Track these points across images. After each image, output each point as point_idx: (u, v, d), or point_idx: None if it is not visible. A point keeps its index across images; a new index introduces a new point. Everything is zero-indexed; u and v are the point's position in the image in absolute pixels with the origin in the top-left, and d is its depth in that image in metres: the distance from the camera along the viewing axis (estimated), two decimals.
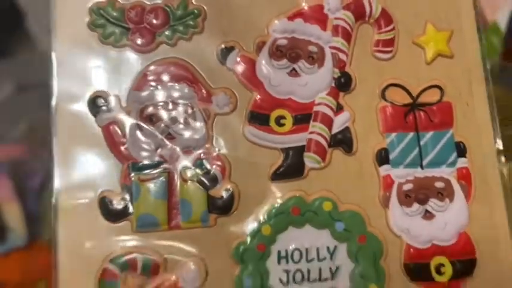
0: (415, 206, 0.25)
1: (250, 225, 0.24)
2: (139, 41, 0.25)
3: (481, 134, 0.26)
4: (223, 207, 0.24)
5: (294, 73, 0.26)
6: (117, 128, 0.25)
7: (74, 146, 0.24)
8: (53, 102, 0.25)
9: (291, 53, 0.26)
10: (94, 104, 0.25)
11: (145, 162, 0.25)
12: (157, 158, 0.25)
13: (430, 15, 0.27)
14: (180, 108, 0.25)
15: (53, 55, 0.25)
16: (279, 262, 0.24)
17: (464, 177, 0.26)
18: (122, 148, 0.25)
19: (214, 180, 0.25)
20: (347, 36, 0.26)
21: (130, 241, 0.24)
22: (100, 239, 0.24)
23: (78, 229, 0.24)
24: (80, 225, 0.24)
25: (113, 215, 0.24)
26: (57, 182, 0.24)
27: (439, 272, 0.25)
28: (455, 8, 0.27)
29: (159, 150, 0.25)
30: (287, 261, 0.24)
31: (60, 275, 0.23)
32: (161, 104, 0.25)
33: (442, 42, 0.27)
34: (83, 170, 0.25)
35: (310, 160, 0.25)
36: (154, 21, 0.25)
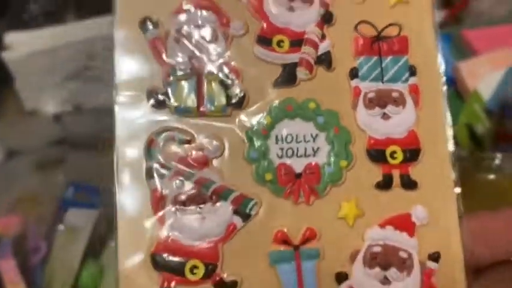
0: (376, 109, 0.35)
1: (257, 116, 0.34)
2: None
3: (428, 59, 0.36)
4: (237, 103, 0.34)
5: (290, 9, 0.35)
6: (160, 43, 0.34)
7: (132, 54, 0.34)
8: None
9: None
10: (143, 24, 0.34)
11: (181, 67, 0.34)
12: (189, 65, 0.34)
13: None
14: (207, 30, 0.35)
15: None
16: (276, 142, 0.34)
17: (414, 90, 0.36)
18: (164, 56, 0.34)
19: (232, 83, 0.34)
20: None
21: (170, 122, 0.34)
22: (149, 120, 0.33)
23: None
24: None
25: (158, 103, 0.33)
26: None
27: (392, 157, 0.35)
28: None
29: (191, 59, 0.34)
30: (282, 142, 0.34)
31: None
32: (193, 25, 0.34)
33: None
34: (135, 74, 0.34)
35: (301, 73, 0.35)
36: None
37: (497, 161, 0.54)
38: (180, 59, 0.34)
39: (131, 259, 0.32)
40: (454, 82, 0.61)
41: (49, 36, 0.55)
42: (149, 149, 0.32)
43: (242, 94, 0.34)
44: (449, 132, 0.35)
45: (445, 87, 0.36)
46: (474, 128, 0.57)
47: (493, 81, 0.58)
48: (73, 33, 0.54)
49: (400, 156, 0.34)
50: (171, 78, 0.34)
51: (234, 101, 0.34)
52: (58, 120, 0.55)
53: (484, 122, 0.57)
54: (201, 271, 0.32)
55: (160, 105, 0.33)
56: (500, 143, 0.53)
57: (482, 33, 0.64)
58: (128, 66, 0.34)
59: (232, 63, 0.34)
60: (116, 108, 0.33)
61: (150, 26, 0.34)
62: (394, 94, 0.35)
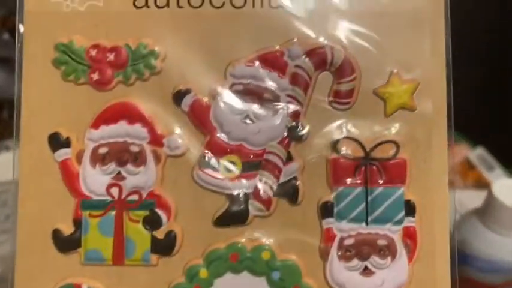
0: (355, 261, 0.28)
1: (190, 268, 0.27)
2: (98, 80, 0.28)
3: (435, 194, 0.28)
4: (165, 248, 0.28)
5: (247, 119, 0.28)
6: (73, 165, 0.28)
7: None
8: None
9: (247, 99, 0.28)
10: (53, 140, 0.28)
11: (96, 199, 0.28)
12: (106, 197, 0.28)
13: (396, 65, 0.28)
14: (132, 149, 0.28)
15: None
16: None
17: (411, 236, 0.28)
18: (76, 184, 0.28)
19: (158, 222, 0.28)
20: (304, 84, 0.28)
21: (78, 272, 0.28)
22: (51, 268, 0.27)
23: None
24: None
25: (64, 247, 0.27)
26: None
27: None
28: (423, 58, 0.28)
29: (109, 189, 0.28)
30: None
31: None
32: (114, 143, 0.28)
33: (406, 95, 0.28)
34: (39, 202, 0.28)
35: (254, 208, 0.28)
36: (114, 60, 0.28)
37: None
38: (95, 187, 0.27)
39: None
40: None
41: None
42: None
43: (172, 236, 0.27)
44: None
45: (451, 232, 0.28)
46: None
47: None
48: None
49: None
50: (83, 213, 0.27)
51: (160, 245, 0.27)
52: None
53: None
54: None
55: (66, 248, 0.27)
56: None
57: None
58: (34, 193, 0.28)
59: (163, 194, 0.27)
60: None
61: (62, 143, 0.28)
62: (381, 242, 0.27)
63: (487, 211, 0.46)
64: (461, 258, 0.46)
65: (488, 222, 0.45)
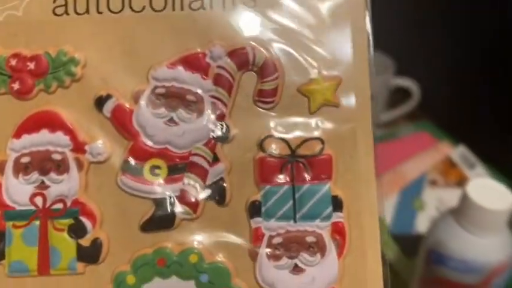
0: (284, 259, 0.28)
1: (117, 274, 0.27)
2: (19, 89, 0.28)
3: (362, 188, 0.29)
4: (91, 256, 0.28)
5: (171, 122, 0.28)
6: None
7: None
8: None
9: (170, 101, 0.28)
10: None
11: (19, 209, 0.28)
12: (30, 206, 0.28)
13: (318, 63, 0.29)
14: (55, 157, 0.28)
15: None
16: None
17: (339, 231, 0.29)
18: None
19: (83, 230, 0.28)
20: (228, 85, 0.29)
21: (3, 285, 0.28)
22: None
23: None
24: None
25: None
26: None
27: None
28: (345, 54, 0.29)
29: (33, 198, 0.28)
30: None
31: None
32: (36, 152, 0.28)
33: (328, 92, 0.29)
34: None
35: (181, 211, 0.28)
36: (34, 69, 0.28)
37: None
38: (18, 197, 0.27)
39: None
40: None
41: None
42: None
43: (98, 244, 0.27)
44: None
45: (383, 226, 0.28)
46: (384, 253, 0.55)
47: (390, 205, 0.63)
48: None
49: None
50: (6, 224, 0.27)
51: (86, 254, 0.27)
52: None
53: (392, 246, 0.59)
54: None
55: None
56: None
57: None
58: None
59: (87, 201, 0.27)
60: None
61: None
62: (309, 238, 0.28)
63: (462, 211, 0.47)
64: (437, 258, 0.47)
65: (463, 222, 0.46)
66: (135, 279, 0.28)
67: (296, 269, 0.29)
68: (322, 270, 0.29)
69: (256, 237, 0.29)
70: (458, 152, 0.72)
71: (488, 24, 0.71)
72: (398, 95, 0.78)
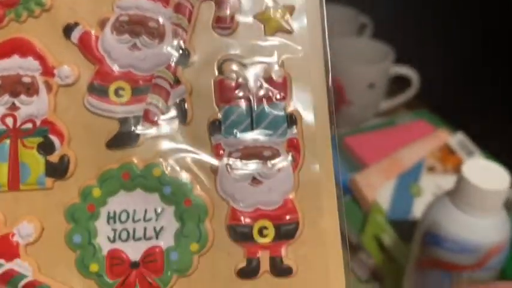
0: (242, 172, 0.30)
1: (84, 188, 0.29)
2: None
3: (315, 105, 0.31)
4: (59, 172, 0.30)
5: (134, 47, 0.30)
6: None
7: None
8: None
9: (133, 28, 0.30)
10: None
11: None
12: (1, 126, 0.30)
13: None
14: (25, 80, 0.30)
15: None
16: (108, 222, 0.30)
17: (294, 146, 0.31)
18: None
19: (52, 147, 0.30)
20: (189, 13, 0.31)
21: None
22: None
23: None
24: None
25: None
26: None
27: (261, 234, 0.30)
28: None
29: (3, 119, 0.30)
30: (114, 221, 0.29)
31: None
32: (7, 76, 0.30)
33: (281, 19, 0.31)
34: None
35: (145, 129, 0.30)
36: (5, 0, 0.30)
37: None
38: None
39: None
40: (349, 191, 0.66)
41: None
42: None
43: (66, 160, 0.29)
44: (338, 202, 0.30)
45: (333, 141, 0.30)
46: (381, 238, 0.61)
47: (388, 190, 0.65)
48: None
49: (271, 233, 0.29)
50: None
51: (54, 169, 0.29)
52: None
53: (389, 232, 0.60)
54: None
55: None
56: (424, 269, 0.52)
57: (362, 140, 0.75)
58: None
59: (56, 121, 0.29)
60: None
61: None
62: (266, 153, 0.30)
63: (458, 192, 0.47)
64: (433, 239, 0.49)
65: (459, 203, 0.47)
66: (101, 192, 0.30)
67: (254, 181, 0.31)
68: (279, 182, 0.31)
69: (217, 153, 0.31)
70: (457, 139, 0.72)
71: (488, 13, 0.72)
72: (397, 84, 0.80)
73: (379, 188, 0.65)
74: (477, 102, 0.75)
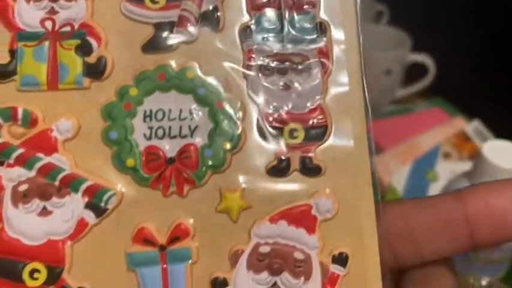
0: (275, 77, 0.31)
1: (121, 87, 0.31)
2: None
3: (343, 16, 0.32)
4: (96, 72, 0.31)
5: None
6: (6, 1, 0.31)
7: None
8: None
9: None
10: None
11: (30, 30, 0.31)
12: (41, 28, 0.31)
13: None
14: None
15: None
16: (144, 120, 0.31)
17: (324, 54, 0.32)
18: (11, 17, 0.31)
19: (90, 49, 0.31)
20: None
21: (15, 99, 0.31)
22: None
23: None
24: None
25: (0, 74, 0.31)
26: None
27: (292, 136, 0.31)
28: None
29: (43, 22, 0.31)
30: (151, 120, 0.31)
31: None
32: None
33: None
34: None
35: (179, 34, 0.32)
36: None
37: (483, 283, 0.53)
38: (29, 21, 0.31)
39: None
40: None
41: None
42: None
43: (103, 61, 0.30)
44: (366, 109, 0.31)
45: (361, 49, 0.32)
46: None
47: (403, 175, 0.67)
48: None
49: (301, 135, 0.31)
50: (18, 44, 0.30)
51: (92, 70, 0.30)
52: None
53: None
54: (43, 276, 0.29)
55: (3, 76, 0.30)
56: None
57: (379, 125, 0.76)
58: None
59: (94, 24, 0.31)
60: None
61: None
62: (296, 59, 0.31)
63: (477, 172, 0.48)
64: None
65: (477, 182, 0.48)
66: (138, 92, 0.31)
67: (284, 86, 0.32)
68: (308, 87, 0.32)
69: (248, 58, 0.32)
70: (473, 126, 0.74)
71: (507, 1, 0.74)
72: (413, 72, 0.81)
73: (394, 173, 0.67)
74: (493, 91, 0.77)
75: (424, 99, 0.81)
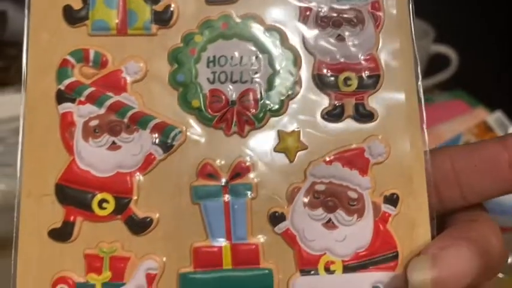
0: (329, 29, 0.34)
1: (186, 34, 0.33)
2: None
3: None
4: (163, 19, 0.34)
5: None
6: None
7: None
8: None
9: None
10: None
11: None
12: None
13: None
14: None
15: None
16: (207, 66, 0.33)
17: (375, 8, 0.35)
18: None
19: None
20: None
21: (86, 43, 0.33)
22: (60, 35, 0.33)
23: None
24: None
25: (73, 19, 0.33)
26: None
27: (346, 84, 0.34)
28: None
29: None
30: (214, 65, 0.33)
31: None
32: None
33: None
34: None
35: None
36: None
37: (509, 260, 0.54)
38: None
39: (34, 189, 0.31)
40: None
41: None
42: (60, 69, 0.32)
43: (170, 10, 0.33)
44: (415, 60, 0.34)
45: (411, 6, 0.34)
46: None
47: None
48: None
49: (355, 83, 0.33)
50: None
51: (160, 17, 0.33)
52: None
53: None
54: (111, 206, 0.31)
55: (75, 21, 0.33)
56: None
57: None
58: None
59: None
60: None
61: None
62: (351, 13, 0.34)
63: None
64: None
65: None
66: (202, 38, 0.34)
67: (339, 37, 0.35)
68: (362, 39, 0.34)
69: (304, 9, 0.35)
70: (495, 117, 0.75)
71: None
72: (436, 62, 0.83)
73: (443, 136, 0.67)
74: None
75: (445, 90, 0.84)
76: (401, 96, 0.34)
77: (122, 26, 0.34)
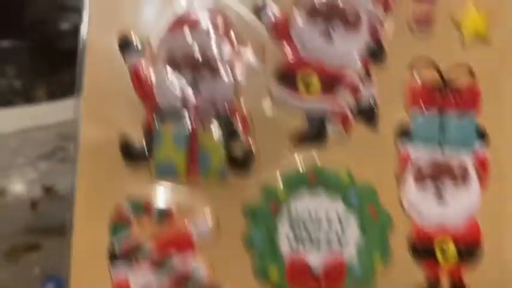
0: (428, 183, 0.30)
1: (266, 185, 0.29)
2: None
3: (506, 125, 0.31)
4: (241, 165, 0.29)
5: (326, 34, 0.30)
6: (145, 71, 0.28)
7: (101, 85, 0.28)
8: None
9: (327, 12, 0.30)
10: (124, 43, 0.28)
11: (170, 110, 0.28)
12: (182, 108, 0.28)
13: None
14: (210, 57, 0.29)
15: None
16: (289, 223, 0.29)
17: (482, 163, 0.31)
18: (149, 92, 0.28)
19: (235, 136, 0.29)
20: (386, 5, 0.30)
21: (147, 187, 0.28)
22: (119, 182, 0.28)
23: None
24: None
25: (134, 159, 0.28)
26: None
27: (442, 252, 0.30)
28: None
29: (184, 100, 0.28)
30: (297, 223, 0.29)
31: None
32: (191, 52, 0.29)
33: (480, 24, 0.31)
34: (107, 110, 0.28)
35: (332, 129, 0.30)
36: None
37: None
38: (170, 96, 0.28)
39: None
40: None
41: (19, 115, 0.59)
42: (116, 223, 0.27)
43: (249, 153, 0.28)
44: None
45: None
46: None
47: None
48: (45, 114, 0.58)
49: (452, 253, 0.30)
50: (156, 123, 0.28)
51: (236, 162, 0.28)
52: (34, 208, 0.56)
53: None
54: None
55: (136, 159, 0.28)
56: None
57: None
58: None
59: (240, 106, 0.29)
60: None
61: (133, 47, 0.28)
62: (456, 170, 0.30)
63: None
64: None
65: None
66: (285, 193, 0.30)
67: (440, 196, 0.31)
68: (465, 201, 0.31)
69: (403, 160, 0.31)
70: None
71: None
72: None
73: None
74: None
75: None
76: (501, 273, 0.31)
77: (192, 170, 0.29)
